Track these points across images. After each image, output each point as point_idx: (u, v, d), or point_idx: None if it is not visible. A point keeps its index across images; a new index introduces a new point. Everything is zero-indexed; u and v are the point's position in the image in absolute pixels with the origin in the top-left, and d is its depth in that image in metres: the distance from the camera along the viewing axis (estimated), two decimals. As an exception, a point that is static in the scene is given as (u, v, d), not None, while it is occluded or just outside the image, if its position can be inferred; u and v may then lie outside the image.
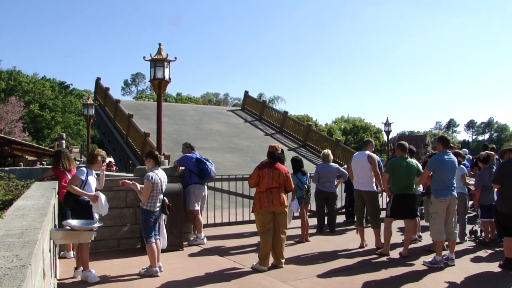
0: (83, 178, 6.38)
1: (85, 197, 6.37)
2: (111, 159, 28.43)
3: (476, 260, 7.66)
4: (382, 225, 8.18)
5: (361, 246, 8.46)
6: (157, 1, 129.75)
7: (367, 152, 8.57)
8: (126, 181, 6.97)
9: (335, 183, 10.33)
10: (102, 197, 6.46)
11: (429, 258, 7.31)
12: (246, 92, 30.03)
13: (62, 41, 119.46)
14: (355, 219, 9.13)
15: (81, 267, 6.36)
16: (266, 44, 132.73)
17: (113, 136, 21.76)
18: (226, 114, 28.08)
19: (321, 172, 10.07)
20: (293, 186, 7.49)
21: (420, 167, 8.08)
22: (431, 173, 7.44)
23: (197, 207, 8.71)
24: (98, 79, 26.74)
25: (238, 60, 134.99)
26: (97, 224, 4.98)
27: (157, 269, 6.54)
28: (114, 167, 23.36)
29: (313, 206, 10.60)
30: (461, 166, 9.01)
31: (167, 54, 9.98)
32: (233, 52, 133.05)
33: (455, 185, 7.44)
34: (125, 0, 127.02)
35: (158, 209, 6.60)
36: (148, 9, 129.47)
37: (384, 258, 7.65)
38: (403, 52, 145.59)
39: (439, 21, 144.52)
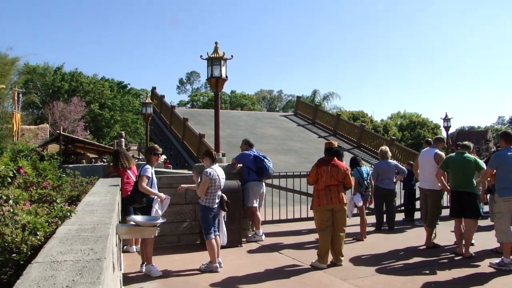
0: (150, 176, 6.60)
1: (152, 196, 6.61)
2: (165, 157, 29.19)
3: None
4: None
5: (429, 246, 8.28)
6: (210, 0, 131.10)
7: (436, 150, 8.37)
8: (182, 185, 7.18)
9: (394, 180, 10.16)
10: (168, 198, 6.76)
11: (496, 260, 7.04)
12: (298, 98, 31.91)
13: (119, 41, 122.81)
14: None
15: (145, 262, 6.56)
16: (321, 40, 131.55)
17: (170, 141, 22.42)
18: (279, 119, 28.55)
19: (380, 169, 9.93)
20: (352, 183, 7.41)
21: (481, 163, 7.76)
22: (494, 171, 7.17)
23: (255, 204, 8.76)
24: (153, 88, 27.59)
25: (292, 56, 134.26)
26: (160, 220, 5.09)
27: (217, 264, 6.63)
28: (170, 165, 23.87)
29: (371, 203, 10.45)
30: None
31: (223, 53, 10.07)
32: (287, 48, 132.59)
33: None
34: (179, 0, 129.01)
35: (216, 205, 6.69)
36: (200, 7, 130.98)
37: (447, 259, 7.45)
38: (463, 45, 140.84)
39: (502, 13, 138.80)
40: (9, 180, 4.44)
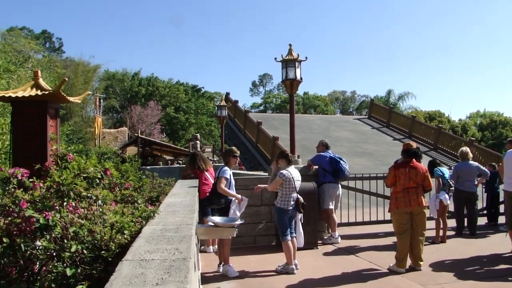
0: (228, 177, 6.73)
1: (230, 197, 6.74)
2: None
3: None
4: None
5: None
6: (281, 1, 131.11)
7: None
8: (259, 185, 7.24)
9: (476, 182, 9.73)
10: (245, 200, 6.82)
11: None
12: (371, 100, 32.64)
13: (193, 46, 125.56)
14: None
15: (222, 262, 6.67)
16: (395, 37, 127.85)
17: (244, 145, 22.83)
18: (353, 122, 28.53)
19: (460, 171, 9.53)
20: (432, 185, 7.18)
21: None
22: None
23: (331, 206, 8.68)
24: (227, 94, 28.22)
25: (365, 56, 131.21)
26: (238, 221, 5.17)
27: (293, 266, 6.62)
28: (243, 167, 24.30)
29: (450, 206, 10.05)
30: None
31: (298, 55, 10.07)
32: (360, 47, 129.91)
33: None
34: (250, 2, 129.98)
35: (291, 207, 6.67)
36: (271, 8, 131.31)
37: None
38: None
39: None
40: (97, 181, 4.67)
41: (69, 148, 6.51)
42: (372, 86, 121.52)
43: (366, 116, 30.17)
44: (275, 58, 10.16)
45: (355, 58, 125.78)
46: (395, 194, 6.90)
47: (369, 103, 36.95)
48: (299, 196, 6.79)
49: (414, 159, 6.99)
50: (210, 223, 5.04)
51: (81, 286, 2.94)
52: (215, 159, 29.31)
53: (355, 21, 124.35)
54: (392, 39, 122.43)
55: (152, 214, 3.82)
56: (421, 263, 6.83)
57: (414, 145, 7.29)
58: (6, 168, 5.05)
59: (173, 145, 38.03)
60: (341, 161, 8.71)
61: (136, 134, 31.41)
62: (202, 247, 8.00)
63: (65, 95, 6.12)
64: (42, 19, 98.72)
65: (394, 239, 7.44)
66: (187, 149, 31.97)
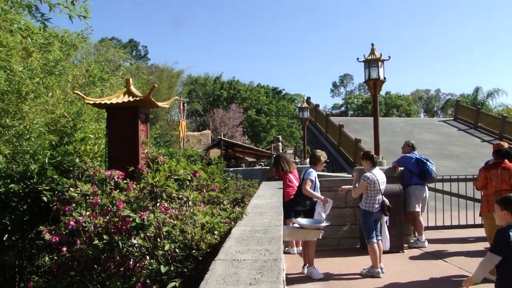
0: (313, 179, 6.76)
1: (315, 199, 6.76)
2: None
3: None
4: None
5: None
6: (364, 1, 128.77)
7: None
8: (343, 187, 7.18)
9: None
10: (330, 202, 6.79)
11: None
12: (457, 102, 31.77)
13: (272, 48, 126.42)
14: None
15: (307, 263, 6.69)
16: (480, 32, 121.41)
17: (326, 149, 22.77)
18: (438, 124, 27.79)
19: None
20: None
21: None
22: None
23: (418, 209, 8.42)
24: (308, 98, 28.28)
25: (450, 52, 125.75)
26: (325, 223, 5.17)
27: (379, 270, 6.51)
28: (325, 169, 24.29)
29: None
30: None
31: (380, 54, 9.88)
32: (444, 43, 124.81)
33: None
34: (329, 2, 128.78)
35: (377, 210, 6.58)
36: (350, 8, 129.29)
37: None
38: None
39: None
40: (187, 183, 4.86)
41: (160, 151, 6.79)
42: (457, 84, 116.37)
43: (452, 118, 29.35)
44: (357, 58, 10.01)
45: (439, 54, 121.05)
46: (487, 197, 6.61)
47: (454, 102, 35.97)
48: (384, 198, 6.67)
49: (506, 160, 6.66)
50: (296, 225, 5.08)
51: (173, 283, 3.07)
52: (297, 160, 29.33)
53: (439, 15, 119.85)
54: (478, 33, 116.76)
55: (240, 215, 3.92)
56: (517, 271, 6.47)
57: (506, 145, 6.96)
58: (103, 170, 5.37)
59: (255, 147, 38.54)
60: (428, 162, 8.43)
61: (219, 137, 32.09)
62: (286, 248, 8.05)
63: (154, 100, 6.41)
64: (129, 29, 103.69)
65: (485, 244, 7.12)
66: (268, 151, 32.28)
